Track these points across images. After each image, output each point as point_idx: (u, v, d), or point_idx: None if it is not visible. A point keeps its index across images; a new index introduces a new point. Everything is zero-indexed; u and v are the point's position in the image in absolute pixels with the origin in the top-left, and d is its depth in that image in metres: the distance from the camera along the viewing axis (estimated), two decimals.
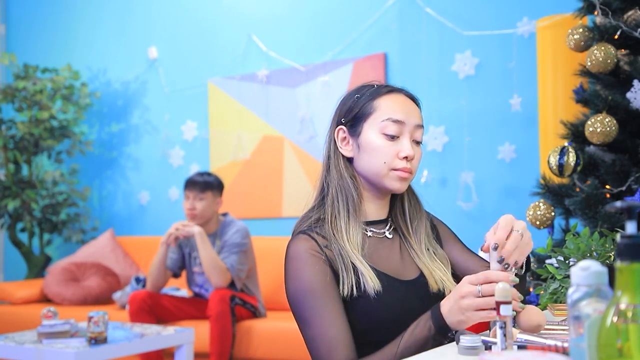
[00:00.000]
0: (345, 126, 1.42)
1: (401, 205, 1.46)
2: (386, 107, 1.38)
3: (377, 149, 1.37)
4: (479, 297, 1.14)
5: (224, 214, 3.75)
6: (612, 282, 0.76)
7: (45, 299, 4.45)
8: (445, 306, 1.20)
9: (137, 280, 4.14)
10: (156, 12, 5.01)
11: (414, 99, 1.44)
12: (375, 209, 1.43)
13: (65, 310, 4.01)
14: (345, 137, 1.43)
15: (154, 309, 3.50)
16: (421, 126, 1.41)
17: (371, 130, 1.38)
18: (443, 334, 1.20)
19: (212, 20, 4.78)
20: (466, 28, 3.88)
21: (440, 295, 1.34)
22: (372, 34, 4.20)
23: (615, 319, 0.71)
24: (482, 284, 1.15)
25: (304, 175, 4.35)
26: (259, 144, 4.55)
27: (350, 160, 1.43)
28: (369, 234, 1.40)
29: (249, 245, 3.65)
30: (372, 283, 1.29)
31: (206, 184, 3.58)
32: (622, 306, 0.71)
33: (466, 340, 1.07)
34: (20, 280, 4.91)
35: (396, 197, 1.47)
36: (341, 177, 1.40)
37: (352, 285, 1.29)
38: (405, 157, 1.36)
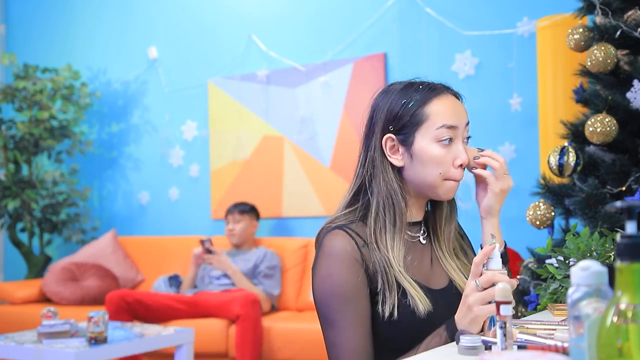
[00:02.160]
0: (394, 134, 1.35)
1: (439, 209, 1.43)
2: (438, 113, 1.33)
3: (433, 159, 1.32)
4: (480, 290, 1.17)
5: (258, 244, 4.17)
6: (612, 282, 0.76)
7: (45, 299, 4.45)
8: (457, 313, 1.22)
9: (171, 279, 4.08)
10: (156, 12, 5.01)
11: (457, 96, 1.40)
12: (414, 211, 1.39)
13: (65, 310, 4.01)
14: (394, 145, 1.35)
15: (133, 307, 3.52)
16: (469, 123, 1.38)
17: (425, 139, 1.33)
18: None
19: (212, 20, 4.78)
20: (466, 28, 3.88)
21: None
22: (372, 34, 4.20)
23: (615, 319, 0.71)
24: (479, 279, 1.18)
25: (304, 175, 4.35)
26: (259, 144, 4.54)
27: (397, 169, 1.36)
28: (405, 237, 1.36)
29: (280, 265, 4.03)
30: (422, 305, 1.26)
31: (243, 209, 4.09)
32: (622, 306, 0.71)
33: (466, 340, 1.07)
34: (20, 280, 4.91)
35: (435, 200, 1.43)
36: (390, 189, 1.33)
37: (395, 305, 1.25)
38: (461, 165, 1.33)
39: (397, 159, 1.35)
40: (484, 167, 1.39)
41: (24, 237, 5.18)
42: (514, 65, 3.73)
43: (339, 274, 1.26)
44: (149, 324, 3.15)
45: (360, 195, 1.37)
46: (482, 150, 1.38)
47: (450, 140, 1.33)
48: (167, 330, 2.94)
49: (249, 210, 4.13)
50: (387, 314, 1.25)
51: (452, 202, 1.44)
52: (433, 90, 1.37)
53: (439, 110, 1.34)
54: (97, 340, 2.57)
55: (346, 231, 1.30)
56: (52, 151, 5.01)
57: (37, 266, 4.90)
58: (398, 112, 1.35)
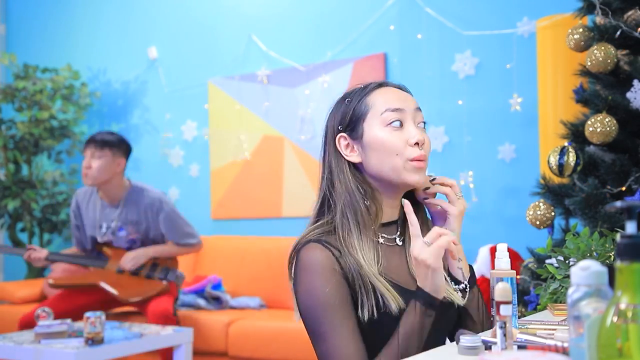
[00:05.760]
0: (344, 132, 1.37)
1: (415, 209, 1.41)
2: (381, 100, 1.35)
3: (385, 143, 1.32)
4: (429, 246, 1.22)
5: (130, 181, 3.53)
6: (612, 282, 0.76)
7: (45, 299, 4.45)
8: (418, 279, 1.25)
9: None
10: (156, 12, 5.01)
11: (402, 88, 1.40)
12: (388, 210, 1.38)
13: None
14: (348, 144, 1.36)
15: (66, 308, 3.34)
16: (420, 109, 1.37)
17: (373, 127, 1.34)
18: (431, 305, 1.22)
19: (212, 20, 4.78)
20: (466, 28, 3.88)
21: (446, 303, 1.27)
22: (372, 34, 4.20)
23: (615, 319, 0.71)
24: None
25: (304, 175, 4.35)
26: (259, 144, 4.54)
27: (356, 167, 1.37)
28: (381, 240, 1.35)
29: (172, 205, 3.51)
30: (394, 302, 1.25)
31: (104, 142, 3.37)
32: (622, 306, 0.71)
33: (466, 340, 1.07)
34: (20, 280, 4.91)
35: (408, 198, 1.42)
36: (347, 191, 1.34)
37: (373, 307, 1.25)
38: (417, 143, 1.31)
39: (354, 156, 1.36)
40: (435, 195, 1.40)
41: (24, 237, 5.18)
42: (514, 65, 3.72)
43: (322, 286, 1.25)
44: (148, 324, 3.15)
45: (325, 208, 1.38)
46: (433, 179, 1.38)
47: (401, 124, 1.33)
48: (166, 330, 2.94)
49: (113, 143, 3.39)
50: (366, 318, 1.24)
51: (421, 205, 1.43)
52: (374, 83, 1.39)
53: (380, 97, 1.36)
54: (94, 340, 2.57)
55: (321, 243, 1.29)
56: (52, 151, 5.01)
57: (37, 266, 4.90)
58: (343, 111, 1.38)
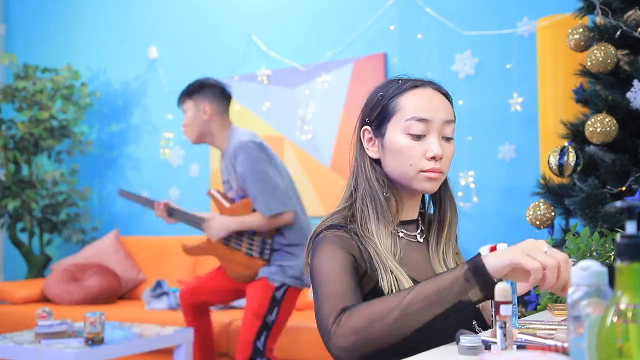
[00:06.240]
0: (370, 126, 1.37)
1: (439, 208, 1.42)
2: (411, 105, 1.32)
3: (401, 151, 1.31)
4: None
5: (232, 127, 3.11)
6: (612, 282, 0.76)
7: (45, 299, 4.45)
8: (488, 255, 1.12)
9: (156, 288, 4.06)
10: (156, 12, 5.01)
11: (442, 92, 1.37)
12: (407, 209, 1.38)
13: (65, 310, 4.01)
14: (371, 138, 1.37)
15: (202, 295, 3.15)
16: (451, 121, 1.34)
17: (395, 131, 1.32)
18: (477, 275, 1.09)
19: (212, 20, 4.78)
20: (466, 28, 3.88)
21: (465, 303, 1.14)
22: (372, 34, 4.20)
23: (615, 319, 0.71)
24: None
25: (304, 175, 4.35)
26: None
27: (378, 162, 1.37)
28: (401, 234, 1.36)
29: (266, 161, 2.95)
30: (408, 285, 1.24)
31: (181, 95, 3.10)
32: (622, 306, 0.71)
33: (466, 340, 1.07)
34: (20, 280, 4.91)
35: (435, 198, 1.42)
36: (367, 180, 1.34)
37: (391, 283, 1.25)
38: (433, 158, 1.30)
39: (373, 151, 1.37)
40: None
41: (24, 237, 5.18)
42: (514, 65, 3.72)
43: (335, 251, 1.25)
44: (148, 324, 3.15)
45: (350, 196, 1.38)
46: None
47: (423, 135, 1.31)
48: (166, 330, 2.94)
49: (190, 91, 3.06)
50: (386, 289, 1.24)
51: (451, 199, 1.42)
52: (412, 83, 1.36)
53: (412, 102, 1.33)
54: (93, 340, 2.57)
55: (341, 227, 1.30)
56: (52, 151, 5.01)
57: (37, 266, 4.90)
58: (374, 104, 1.37)
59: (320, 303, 1.21)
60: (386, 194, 1.33)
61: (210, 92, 3.07)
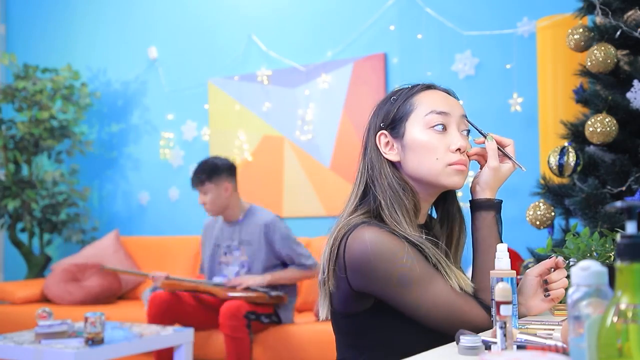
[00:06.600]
0: (386, 130, 1.35)
1: (447, 223, 1.43)
2: (427, 102, 1.33)
3: (425, 146, 1.30)
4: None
5: (249, 204, 3.53)
6: (612, 282, 0.76)
7: (45, 299, 4.45)
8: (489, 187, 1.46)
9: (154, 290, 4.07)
10: (156, 12, 5.01)
11: (450, 93, 1.39)
12: (423, 212, 1.38)
13: (65, 311, 4.01)
14: (388, 142, 1.35)
15: (175, 310, 3.32)
16: (466, 117, 1.36)
17: (415, 128, 1.32)
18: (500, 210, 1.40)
19: (212, 20, 4.78)
20: (466, 28, 3.88)
21: None
22: (372, 34, 4.20)
23: (615, 319, 0.71)
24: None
25: (304, 175, 4.35)
26: (259, 144, 4.54)
27: (395, 166, 1.35)
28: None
29: (287, 228, 3.42)
30: (464, 283, 1.28)
31: (201, 178, 3.35)
32: (622, 306, 0.71)
33: (466, 340, 1.07)
34: (20, 280, 4.91)
35: (443, 211, 1.42)
36: (390, 187, 1.31)
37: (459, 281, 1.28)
38: (458, 149, 1.30)
39: (392, 154, 1.35)
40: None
41: (24, 237, 5.18)
42: (514, 65, 3.72)
43: (404, 258, 1.23)
44: (148, 324, 3.15)
45: (365, 199, 1.35)
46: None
47: (444, 127, 1.32)
48: (166, 330, 2.94)
49: (211, 174, 3.35)
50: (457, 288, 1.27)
51: (462, 224, 1.45)
52: (423, 85, 1.38)
53: (427, 99, 1.34)
54: (94, 341, 2.57)
55: (375, 225, 1.27)
56: (52, 151, 5.01)
57: (37, 266, 4.90)
58: (387, 109, 1.36)
59: (442, 299, 1.24)
60: (408, 197, 1.32)
61: (227, 172, 3.41)
